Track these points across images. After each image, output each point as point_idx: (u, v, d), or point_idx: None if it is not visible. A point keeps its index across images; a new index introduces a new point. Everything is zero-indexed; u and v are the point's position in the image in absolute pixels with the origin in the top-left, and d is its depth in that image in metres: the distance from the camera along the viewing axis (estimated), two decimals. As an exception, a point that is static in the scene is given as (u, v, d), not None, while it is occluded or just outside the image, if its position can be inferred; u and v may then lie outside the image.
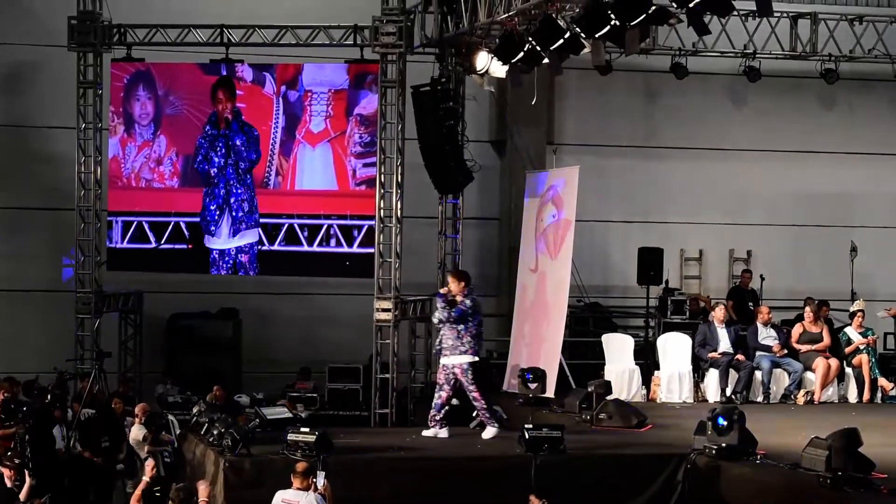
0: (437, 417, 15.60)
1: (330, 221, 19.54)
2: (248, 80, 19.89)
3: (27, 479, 13.33)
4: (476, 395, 15.48)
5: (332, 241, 19.53)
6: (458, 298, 15.40)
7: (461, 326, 15.34)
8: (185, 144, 20.20)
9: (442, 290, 15.66)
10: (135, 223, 20.37)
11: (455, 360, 15.42)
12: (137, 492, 13.90)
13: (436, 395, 15.73)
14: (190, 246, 20.20)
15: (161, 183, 20.36)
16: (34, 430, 15.46)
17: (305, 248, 19.65)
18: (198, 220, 20.16)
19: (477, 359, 15.53)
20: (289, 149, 19.77)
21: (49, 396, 17.06)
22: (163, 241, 20.29)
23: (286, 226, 19.74)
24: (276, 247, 19.76)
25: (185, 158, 20.20)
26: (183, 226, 20.24)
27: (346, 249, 19.50)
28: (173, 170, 20.28)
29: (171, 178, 20.33)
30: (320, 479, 12.79)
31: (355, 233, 19.51)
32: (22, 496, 13.11)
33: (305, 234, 19.65)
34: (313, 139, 19.71)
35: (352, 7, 20.04)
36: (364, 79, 19.33)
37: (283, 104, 19.74)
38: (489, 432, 15.50)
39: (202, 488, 13.13)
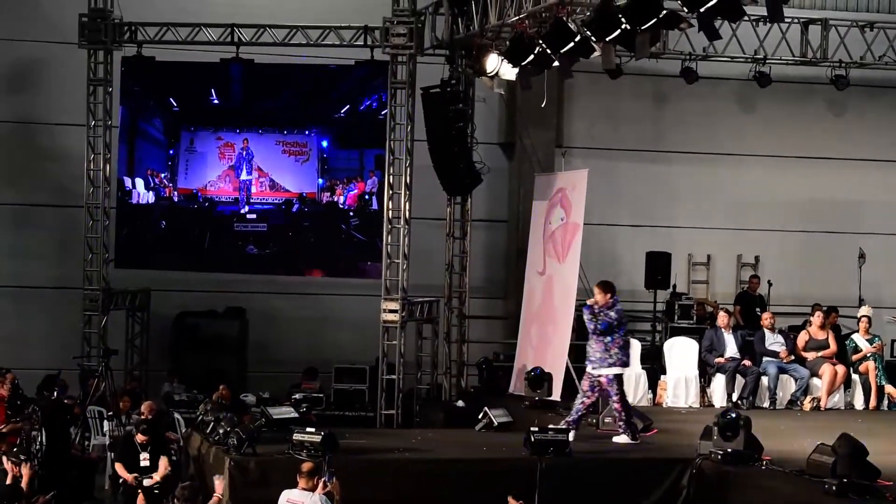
0: (571, 420, 15.53)
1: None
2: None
3: (24, 470, 13.33)
4: (618, 406, 15.49)
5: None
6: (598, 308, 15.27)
7: (608, 338, 15.28)
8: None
9: (588, 302, 15.50)
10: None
11: (603, 371, 15.39)
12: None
13: (578, 401, 15.66)
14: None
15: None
16: (44, 426, 15.43)
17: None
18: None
19: (623, 371, 15.53)
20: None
21: (55, 393, 17.05)
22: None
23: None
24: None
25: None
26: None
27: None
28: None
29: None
30: (329, 478, 12.76)
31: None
32: (23, 485, 13.14)
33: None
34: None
35: (362, 8, 20.07)
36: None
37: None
38: (622, 439, 15.54)
39: (217, 482, 13.16)
